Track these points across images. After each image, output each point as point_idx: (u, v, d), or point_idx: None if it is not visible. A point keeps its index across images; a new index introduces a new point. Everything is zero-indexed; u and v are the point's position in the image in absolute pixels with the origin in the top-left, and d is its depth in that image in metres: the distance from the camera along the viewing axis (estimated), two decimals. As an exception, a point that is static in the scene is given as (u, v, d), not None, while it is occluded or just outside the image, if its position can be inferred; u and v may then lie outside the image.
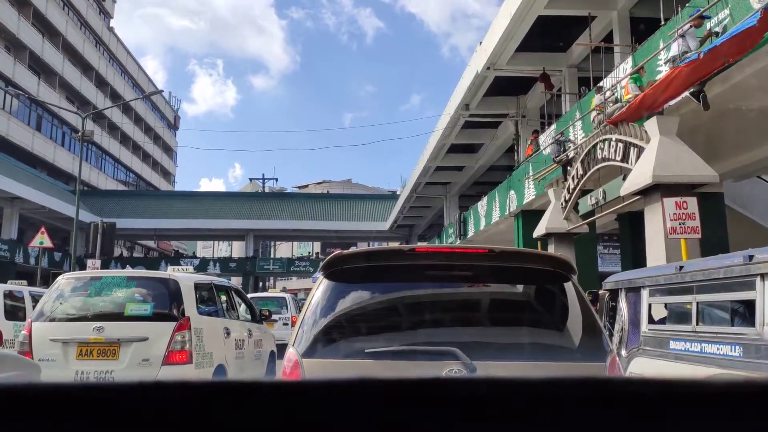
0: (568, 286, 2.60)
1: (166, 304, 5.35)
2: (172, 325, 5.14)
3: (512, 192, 17.13)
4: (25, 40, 32.46)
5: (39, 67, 34.61)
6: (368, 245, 56.26)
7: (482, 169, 25.05)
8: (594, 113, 10.90)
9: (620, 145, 9.59)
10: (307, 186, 72.34)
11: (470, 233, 22.46)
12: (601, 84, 10.96)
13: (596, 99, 10.98)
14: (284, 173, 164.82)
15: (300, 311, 3.48)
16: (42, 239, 13.54)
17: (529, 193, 15.50)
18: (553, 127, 13.73)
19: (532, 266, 2.72)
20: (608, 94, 10.43)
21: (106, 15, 45.97)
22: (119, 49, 47.01)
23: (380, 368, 2.34)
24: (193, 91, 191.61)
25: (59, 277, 5.74)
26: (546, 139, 14.10)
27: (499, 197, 18.59)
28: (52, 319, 5.36)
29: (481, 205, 20.82)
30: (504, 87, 17.10)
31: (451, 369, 2.28)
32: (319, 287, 2.62)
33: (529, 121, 17.64)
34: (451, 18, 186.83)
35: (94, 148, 43.12)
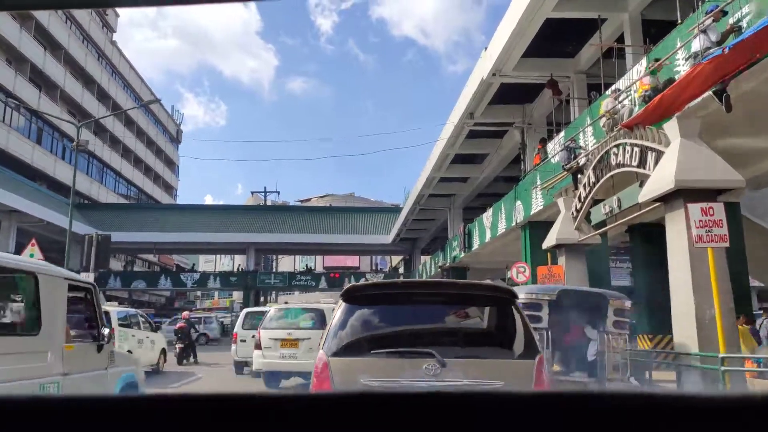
0: (512, 307, 3.59)
1: (323, 322, 9.24)
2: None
3: (519, 202, 16.59)
4: (27, 53, 32.34)
5: (40, 81, 34.47)
6: (371, 259, 55.61)
7: (487, 181, 24.54)
8: (604, 119, 10.40)
9: (636, 149, 9.07)
10: (309, 200, 71.97)
11: (475, 245, 21.88)
12: (614, 86, 10.47)
13: (605, 103, 10.48)
14: (287, 188, 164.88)
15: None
16: (32, 251, 13.04)
17: (537, 204, 14.96)
18: (562, 134, 13.23)
19: (485, 293, 3.91)
20: (621, 96, 9.92)
21: (109, 29, 46.04)
22: (122, 63, 47.01)
23: (382, 363, 3.40)
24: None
25: (272, 308, 11.14)
26: (554, 146, 13.59)
27: (505, 208, 18.05)
28: (269, 328, 10.01)
29: (486, 216, 20.27)
30: (509, 95, 16.66)
31: (428, 364, 3.26)
32: (340, 308, 3.60)
33: (536, 129, 17.16)
34: (452, 41, 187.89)
35: (96, 161, 42.89)
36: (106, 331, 5.25)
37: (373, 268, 52.41)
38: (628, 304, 7.58)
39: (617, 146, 9.70)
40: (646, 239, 15.39)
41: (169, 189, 59.36)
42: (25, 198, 27.70)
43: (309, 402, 0.57)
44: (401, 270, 46.08)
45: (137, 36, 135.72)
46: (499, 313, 3.80)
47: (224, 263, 64.59)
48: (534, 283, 12.36)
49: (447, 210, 29.20)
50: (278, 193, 68.31)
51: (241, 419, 0.53)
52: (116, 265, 44.65)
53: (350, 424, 0.54)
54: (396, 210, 38.68)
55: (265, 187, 50.52)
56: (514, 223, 16.95)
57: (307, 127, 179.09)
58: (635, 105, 9.99)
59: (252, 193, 56.54)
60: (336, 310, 3.62)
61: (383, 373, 3.36)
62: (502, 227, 18.25)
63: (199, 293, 61.31)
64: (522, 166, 18.14)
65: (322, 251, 45.31)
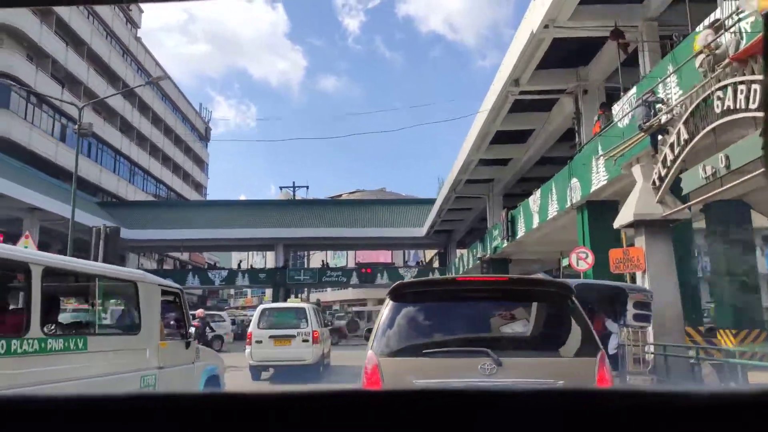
0: (569, 302, 3.52)
1: None
2: None
3: (575, 180, 14.38)
4: (48, 48, 31.63)
5: (64, 77, 33.81)
6: (404, 253, 53.61)
7: (531, 162, 22.28)
8: (701, 56, 8.20)
9: (754, 87, 6.88)
10: (340, 196, 70.43)
11: (520, 233, 19.70)
12: (711, 16, 8.25)
13: (701, 37, 8.28)
14: (317, 185, 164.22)
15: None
16: (26, 244, 11.70)
17: (599, 178, 12.74)
18: (633, 90, 11.01)
19: (540, 288, 3.83)
20: (728, 24, 7.71)
21: (133, 25, 45.42)
22: (147, 59, 46.35)
23: (435, 363, 3.30)
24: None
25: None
26: (623, 106, 11.38)
27: (556, 188, 15.84)
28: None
29: (534, 199, 18.08)
30: (560, 57, 14.46)
31: (484, 363, 3.18)
32: (387, 307, 3.55)
33: (598, 88, 14.89)
34: (482, 35, 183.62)
35: (123, 159, 42.29)
36: (192, 330, 5.84)
37: (405, 262, 50.51)
38: (649, 297, 7.56)
39: (722, 89, 7.50)
40: (728, 218, 13.09)
41: (199, 187, 58.77)
42: (46, 195, 26.91)
43: (312, 401, 0.53)
44: (436, 264, 44.04)
45: (168, 41, 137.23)
46: (556, 309, 3.70)
47: (256, 261, 63.68)
48: (606, 271, 10.24)
49: (485, 197, 27.01)
50: (307, 188, 66.93)
51: (250, 419, 0.51)
52: (148, 264, 44.08)
53: (352, 423, 0.52)
54: (429, 202, 36.58)
55: (293, 182, 49.19)
56: (568, 204, 14.76)
57: (336, 126, 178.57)
58: (742, 37, 7.78)
59: (281, 188, 55.26)
60: (384, 308, 3.58)
61: (436, 374, 3.24)
62: (553, 210, 16.06)
63: (232, 291, 60.57)
64: (577, 139, 15.88)
65: (353, 246, 43.64)
